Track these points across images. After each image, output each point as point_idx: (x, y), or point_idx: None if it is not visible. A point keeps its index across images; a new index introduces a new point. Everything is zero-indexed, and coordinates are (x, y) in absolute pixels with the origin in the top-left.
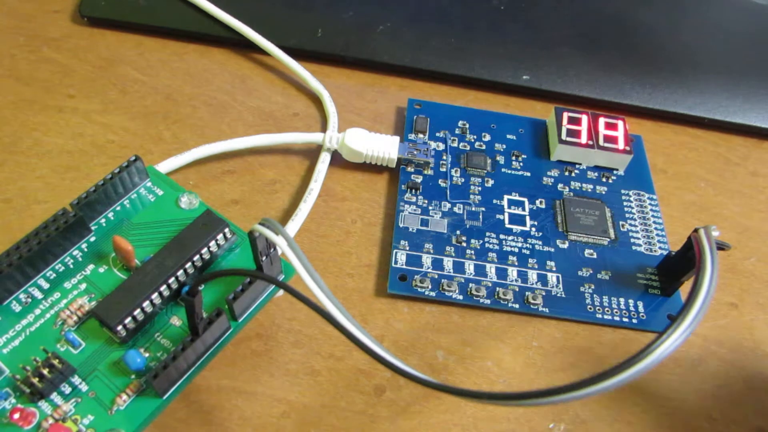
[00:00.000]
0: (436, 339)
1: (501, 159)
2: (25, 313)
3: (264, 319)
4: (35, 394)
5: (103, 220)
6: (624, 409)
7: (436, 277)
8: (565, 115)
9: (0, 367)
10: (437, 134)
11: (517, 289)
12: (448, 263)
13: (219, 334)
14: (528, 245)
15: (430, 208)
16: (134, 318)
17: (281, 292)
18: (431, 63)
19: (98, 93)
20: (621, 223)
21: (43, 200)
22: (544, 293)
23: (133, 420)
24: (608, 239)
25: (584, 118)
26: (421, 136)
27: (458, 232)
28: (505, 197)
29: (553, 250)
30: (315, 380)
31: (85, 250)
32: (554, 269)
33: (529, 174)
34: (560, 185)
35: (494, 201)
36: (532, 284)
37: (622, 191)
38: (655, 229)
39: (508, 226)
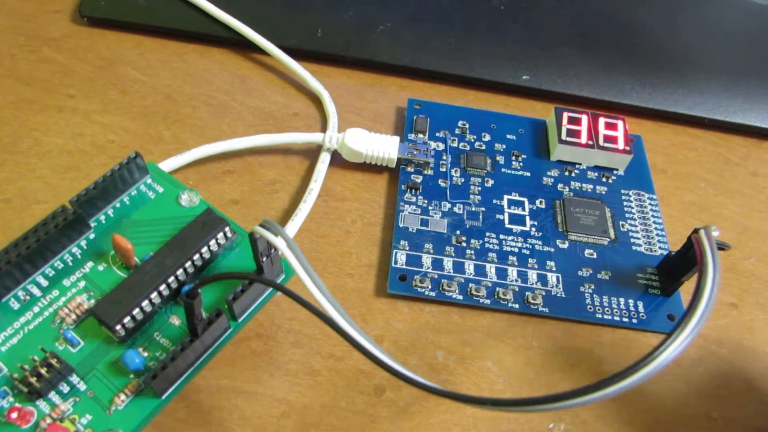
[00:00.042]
0: (436, 339)
1: (501, 159)
2: (24, 311)
3: (264, 319)
4: (33, 393)
5: (103, 217)
6: (624, 409)
7: (436, 277)
8: (565, 115)
9: None
10: (437, 134)
11: (517, 289)
12: (448, 263)
13: (218, 335)
14: (528, 245)
15: (430, 208)
16: (133, 317)
17: None
18: (431, 63)
19: (98, 93)
20: (621, 223)
21: (43, 200)
22: (544, 293)
23: (132, 420)
24: (608, 239)
25: (584, 118)
26: (421, 136)
27: (458, 232)
28: (505, 197)
29: (553, 250)
30: (315, 380)
31: (85, 247)
32: (554, 269)
33: (529, 174)
34: (560, 185)
35: (494, 201)
36: (532, 284)
37: (622, 191)
38: (655, 229)
39: (508, 226)
